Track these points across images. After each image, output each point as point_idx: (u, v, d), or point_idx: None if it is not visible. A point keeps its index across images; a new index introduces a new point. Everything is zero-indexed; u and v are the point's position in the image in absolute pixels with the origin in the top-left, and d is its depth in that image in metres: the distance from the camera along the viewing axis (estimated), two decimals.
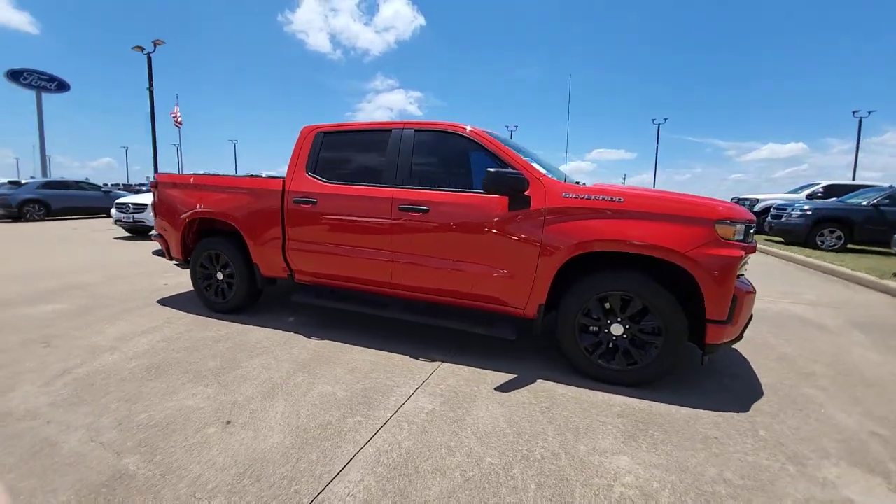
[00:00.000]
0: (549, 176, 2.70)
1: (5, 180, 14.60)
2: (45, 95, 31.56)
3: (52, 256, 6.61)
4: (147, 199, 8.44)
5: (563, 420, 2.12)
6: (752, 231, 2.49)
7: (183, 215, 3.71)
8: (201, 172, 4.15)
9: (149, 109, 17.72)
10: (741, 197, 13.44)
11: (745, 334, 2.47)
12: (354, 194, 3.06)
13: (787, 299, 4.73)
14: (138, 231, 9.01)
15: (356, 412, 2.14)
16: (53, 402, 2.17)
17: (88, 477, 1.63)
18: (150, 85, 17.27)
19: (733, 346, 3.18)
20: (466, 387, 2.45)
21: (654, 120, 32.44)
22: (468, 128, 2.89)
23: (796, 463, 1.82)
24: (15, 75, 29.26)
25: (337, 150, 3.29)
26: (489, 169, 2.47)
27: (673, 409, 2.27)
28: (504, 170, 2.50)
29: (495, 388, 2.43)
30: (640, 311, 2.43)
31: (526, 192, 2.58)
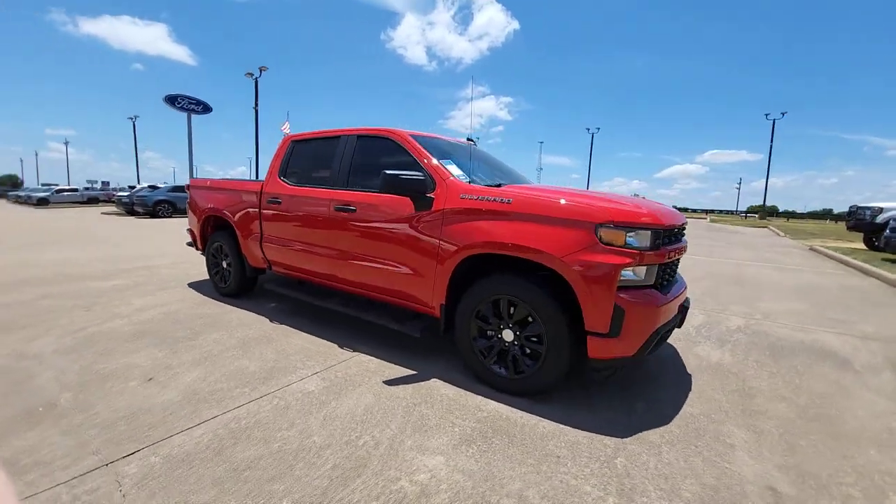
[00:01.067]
0: (456, 178, 2.72)
1: (146, 185, 18.37)
2: (194, 116, 38.83)
3: (150, 243, 8.29)
4: None
5: (418, 416, 2.17)
6: (662, 235, 2.23)
7: (201, 213, 4.47)
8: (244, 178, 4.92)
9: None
10: (861, 205, 10.95)
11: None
12: (305, 195, 3.42)
13: (830, 328, 3.89)
14: None
15: (248, 385, 2.45)
16: (56, 349, 2.88)
17: (32, 401, 2.19)
18: (256, 104, 20.29)
19: (692, 373, 2.81)
20: (360, 377, 2.61)
21: (767, 115, 27.84)
22: (395, 131, 3.04)
23: (623, 498, 1.63)
24: (171, 100, 36.47)
25: (302, 157, 3.69)
26: (384, 171, 2.60)
27: (542, 422, 2.15)
28: (401, 172, 2.60)
29: (384, 381, 2.55)
30: (525, 318, 2.33)
31: (429, 194, 2.65)
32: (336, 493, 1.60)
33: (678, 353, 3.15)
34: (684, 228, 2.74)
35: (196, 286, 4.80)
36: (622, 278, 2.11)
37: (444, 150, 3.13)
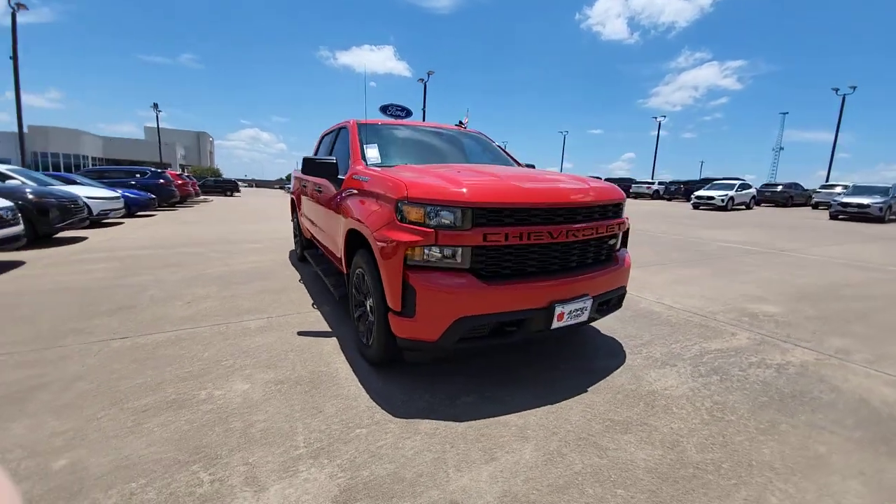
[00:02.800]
0: (365, 161, 2.97)
1: None
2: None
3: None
4: None
5: (277, 356, 2.67)
6: (483, 215, 2.02)
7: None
8: None
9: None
10: None
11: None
12: (307, 179, 4.25)
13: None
14: None
15: (233, 315, 3.44)
16: (157, 280, 4.60)
17: (105, 305, 3.72)
18: (424, 105, 23.14)
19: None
20: (289, 325, 3.26)
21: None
22: (348, 122, 3.48)
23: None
24: (383, 109, 45.18)
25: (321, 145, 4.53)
26: (304, 157, 3.09)
27: (360, 392, 2.32)
28: (318, 157, 3.05)
29: (298, 332, 3.12)
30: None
31: (341, 175, 3.02)
32: (185, 367, 2.31)
33: None
34: (580, 209, 2.27)
35: (290, 251, 6.40)
36: (424, 257, 2.04)
37: (386, 136, 3.39)
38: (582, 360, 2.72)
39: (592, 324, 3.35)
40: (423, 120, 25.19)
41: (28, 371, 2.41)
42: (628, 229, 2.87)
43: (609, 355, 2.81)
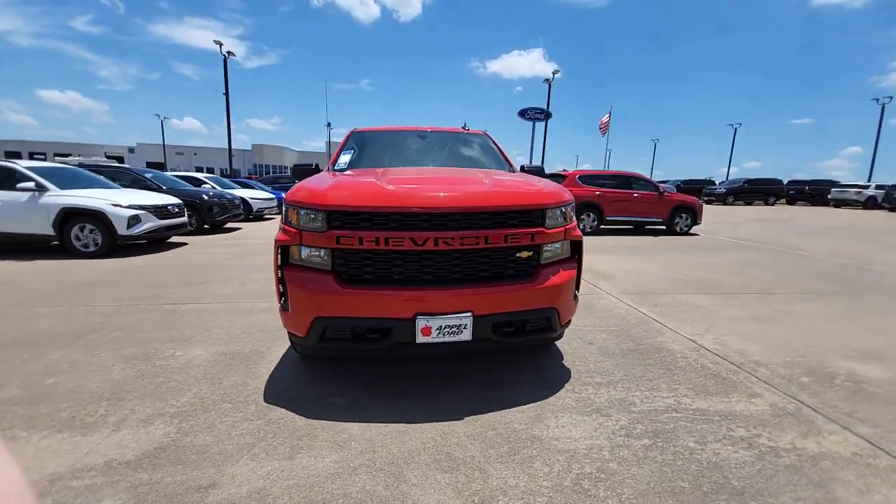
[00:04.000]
0: (333, 168, 3.21)
1: None
2: (537, 125, 46.16)
3: None
4: None
5: (231, 332, 3.13)
6: (342, 218, 2.06)
7: None
8: None
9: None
10: None
11: None
12: None
13: None
14: None
15: (255, 299, 4.18)
16: (245, 263, 5.73)
17: (193, 279, 4.85)
18: (548, 104, 22.28)
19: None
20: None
21: None
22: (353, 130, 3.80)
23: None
24: (522, 113, 44.96)
25: None
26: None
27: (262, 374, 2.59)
28: (299, 164, 3.40)
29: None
30: None
31: None
32: (183, 331, 3.00)
33: None
34: (454, 215, 2.04)
35: None
36: (300, 256, 2.17)
37: (372, 143, 3.57)
38: (498, 386, 2.39)
39: (563, 349, 2.87)
40: (545, 127, 24.11)
41: (98, 319, 3.45)
42: (576, 241, 2.38)
43: (540, 387, 2.39)
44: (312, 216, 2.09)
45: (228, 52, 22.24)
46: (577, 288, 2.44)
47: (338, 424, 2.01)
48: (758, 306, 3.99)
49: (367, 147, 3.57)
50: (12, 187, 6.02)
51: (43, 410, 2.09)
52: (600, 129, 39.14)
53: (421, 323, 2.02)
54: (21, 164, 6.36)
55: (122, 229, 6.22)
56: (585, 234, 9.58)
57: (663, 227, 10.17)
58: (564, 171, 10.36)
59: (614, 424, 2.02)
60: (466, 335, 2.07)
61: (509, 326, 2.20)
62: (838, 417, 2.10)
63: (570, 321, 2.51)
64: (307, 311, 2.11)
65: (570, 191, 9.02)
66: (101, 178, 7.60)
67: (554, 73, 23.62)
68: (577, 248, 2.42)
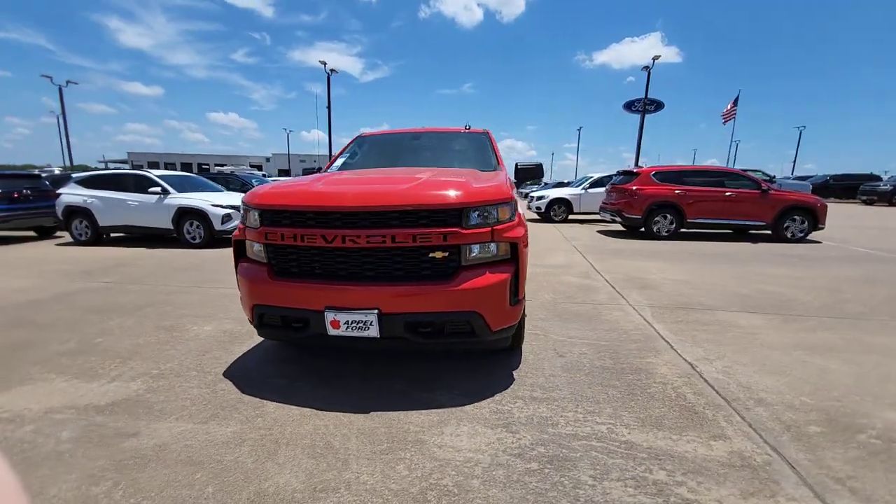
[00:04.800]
0: (329, 170, 3.47)
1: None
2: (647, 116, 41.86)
3: None
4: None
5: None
6: (267, 216, 2.27)
7: None
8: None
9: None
10: None
11: None
12: None
13: None
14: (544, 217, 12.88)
15: None
16: None
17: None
18: (646, 94, 20.03)
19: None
20: None
21: None
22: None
23: None
24: (627, 105, 41.42)
25: None
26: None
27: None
28: (310, 166, 3.75)
29: None
30: None
31: None
32: (210, 311, 3.63)
33: None
34: (364, 214, 2.09)
35: None
36: (250, 250, 2.46)
37: (371, 145, 3.78)
38: (428, 387, 2.36)
39: (526, 358, 2.70)
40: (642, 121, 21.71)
41: (162, 297, 4.29)
42: (512, 243, 2.22)
43: (469, 393, 2.29)
44: (251, 214, 2.35)
45: (331, 70, 24.77)
46: (518, 293, 2.28)
47: (261, 402, 2.24)
48: (825, 333, 3.13)
49: (364, 150, 3.78)
50: (145, 191, 7.76)
51: (78, 361, 2.74)
52: (723, 118, 33.93)
53: (329, 316, 2.12)
54: (154, 173, 8.16)
55: (217, 225, 7.54)
56: (660, 237, 8.50)
57: (768, 233, 8.44)
58: (639, 168, 9.29)
59: (513, 443, 1.86)
60: (374, 332, 2.11)
61: (426, 327, 2.17)
62: (819, 482, 1.60)
63: (513, 328, 2.35)
64: (248, 298, 2.38)
65: (643, 189, 8.28)
66: (212, 183, 9.30)
67: (654, 59, 21.01)
68: (514, 251, 2.26)
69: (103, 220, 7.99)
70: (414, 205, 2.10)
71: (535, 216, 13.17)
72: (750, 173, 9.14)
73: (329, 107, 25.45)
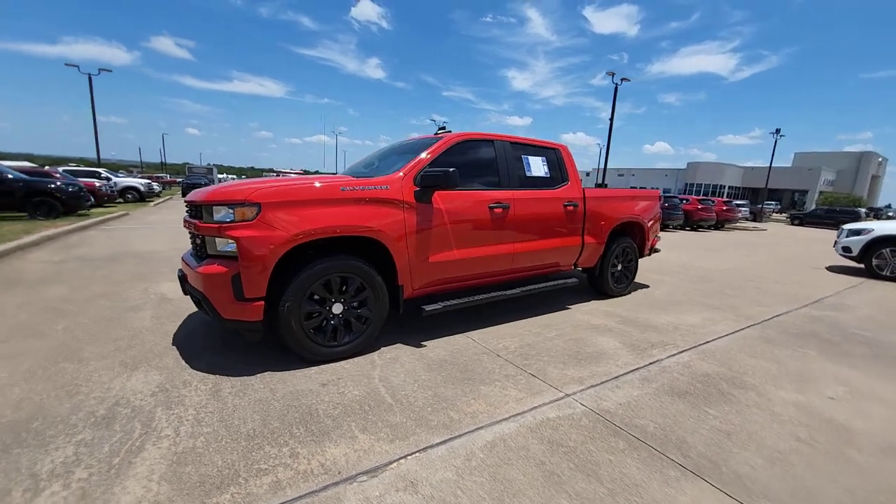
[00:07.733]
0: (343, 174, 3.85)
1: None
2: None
3: None
4: None
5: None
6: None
7: None
8: None
9: None
10: None
11: None
12: None
13: None
14: None
15: None
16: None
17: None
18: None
19: None
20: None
21: None
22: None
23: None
24: None
25: None
26: None
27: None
28: None
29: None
30: None
31: None
32: None
33: None
34: (190, 206, 2.86)
35: None
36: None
37: (390, 150, 3.99)
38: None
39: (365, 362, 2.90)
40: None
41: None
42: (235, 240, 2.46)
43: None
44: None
45: (622, 79, 22.23)
46: (239, 295, 2.46)
47: (187, 368, 2.62)
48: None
49: (384, 155, 3.94)
50: None
51: (121, 334, 3.12)
52: None
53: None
54: None
55: None
56: (884, 277, 6.71)
57: None
58: None
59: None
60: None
61: (198, 303, 2.80)
62: None
63: (243, 322, 2.54)
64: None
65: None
66: None
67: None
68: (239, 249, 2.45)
69: None
70: (200, 200, 2.73)
71: (848, 261, 7.74)
72: None
73: (612, 118, 22.60)
